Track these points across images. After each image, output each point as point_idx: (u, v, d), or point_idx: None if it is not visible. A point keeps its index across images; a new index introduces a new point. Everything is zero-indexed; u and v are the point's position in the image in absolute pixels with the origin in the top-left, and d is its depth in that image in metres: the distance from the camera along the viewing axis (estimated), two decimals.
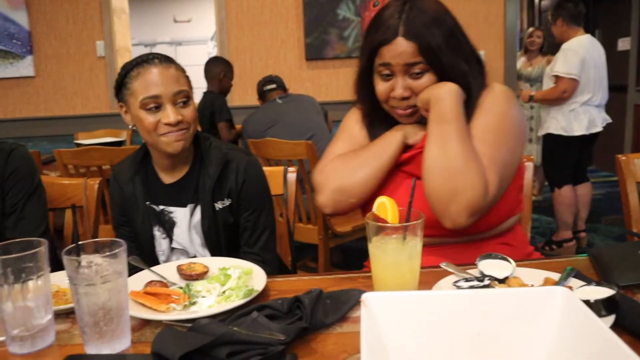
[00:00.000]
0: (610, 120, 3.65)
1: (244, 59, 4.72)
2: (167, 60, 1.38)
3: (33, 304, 0.90)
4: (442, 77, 1.21)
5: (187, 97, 1.37)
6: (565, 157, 3.63)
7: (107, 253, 0.88)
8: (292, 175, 1.75)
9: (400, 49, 1.19)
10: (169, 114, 1.32)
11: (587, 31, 3.70)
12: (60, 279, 1.12)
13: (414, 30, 1.19)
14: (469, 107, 1.24)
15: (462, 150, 1.15)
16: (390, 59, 1.21)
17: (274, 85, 3.57)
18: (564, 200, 3.66)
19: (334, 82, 4.73)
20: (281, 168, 1.76)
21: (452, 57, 1.20)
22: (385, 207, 0.97)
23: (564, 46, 3.55)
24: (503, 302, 0.75)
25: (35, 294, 0.90)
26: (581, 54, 3.45)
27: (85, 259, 0.87)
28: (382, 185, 1.30)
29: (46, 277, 0.91)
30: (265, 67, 4.70)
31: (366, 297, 0.72)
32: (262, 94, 3.57)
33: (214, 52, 8.40)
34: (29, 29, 4.72)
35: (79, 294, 0.85)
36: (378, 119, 1.36)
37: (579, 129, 3.51)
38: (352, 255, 3.78)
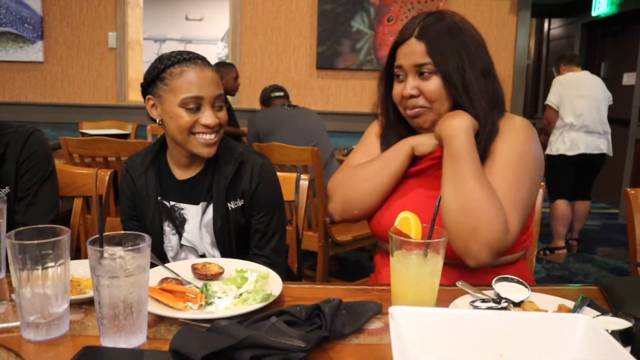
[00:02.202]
0: (604, 150, 4.14)
1: (255, 62, 4.73)
2: (207, 62, 1.40)
3: (51, 291, 0.89)
4: (446, 82, 1.24)
5: (223, 101, 1.41)
6: (556, 174, 4.15)
7: (130, 247, 0.87)
8: (304, 183, 1.75)
9: (411, 49, 1.26)
10: (209, 116, 1.35)
11: (593, 64, 4.13)
12: (74, 268, 1.11)
13: (427, 34, 1.25)
14: (481, 130, 1.24)
15: (478, 189, 1.15)
16: (402, 59, 1.28)
17: (281, 93, 3.59)
18: (556, 213, 4.16)
19: (343, 92, 4.75)
20: (294, 174, 1.76)
21: (459, 64, 1.23)
22: (409, 222, 0.98)
23: (553, 80, 4.25)
24: (527, 325, 0.76)
25: (54, 281, 0.89)
26: (562, 85, 4.13)
27: (108, 250, 0.86)
28: (391, 196, 1.33)
29: (66, 266, 0.91)
30: (276, 72, 4.72)
31: (394, 310, 0.73)
32: (267, 100, 3.59)
33: (223, 52, 8.41)
34: (41, 14, 4.72)
35: (101, 286, 0.84)
36: (395, 133, 1.38)
37: (562, 149, 4.09)
38: (349, 266, 3.79)
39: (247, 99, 4.72)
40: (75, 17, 4.76)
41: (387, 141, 1.39)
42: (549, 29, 7.94)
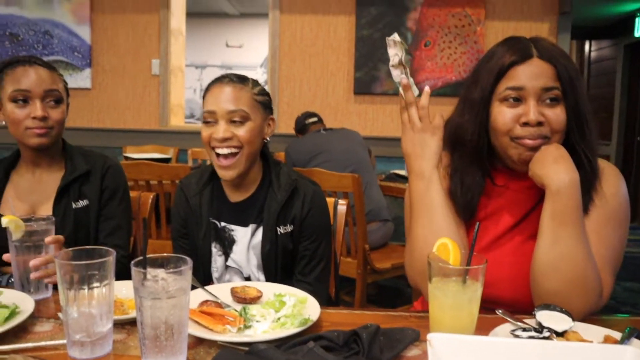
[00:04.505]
0: None
1: (293, 88, 4.80)
2: (240, 80, 1.45)
3: (96, 311, 0.92)
4: (572, 113, 1.12)
5: (243, 117, 1.39)
6: None
7: (172, 269, 0.90)
8: (342, 208, 1.76)
9: (539, 69, 1.11)
10: (219, 130, 1.39)
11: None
12: (117, 289, 1.14)
13: (549, 55, 1.12)
14: (585, 174, 1.12)
15: (579, 254, 1.07)
16: (526, 80, 1.12)
17: (315, 119, 3.61)
18: None
19: (381, 117, 4.76)
20: (332, 199, 1.77)
21: (584, 93, 1.13)
22: (447, 248, 0.97)
23: None
24: (571, 356, 0.74)
25: (99, 301, 0.92)
26: None
27: (151, 272, 0.89)
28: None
29: (111, 286, 0.94)
30: (314, 98, 4.77)
31: (432, 337, 0.72)
32: (303, 128, 3.60)
33: (262, 78, 8.58)
34: (90, 43, 4.93)
35: (144, 307, 0.86)
36: (475, 168, 1.23)
37: None
38: (387, 293, 3.75)
39: (285, 124, 4.78)
40: (121, 46, 4.94)
41: (460, 177, 1.23)
42: (589, 51, 7.81)
